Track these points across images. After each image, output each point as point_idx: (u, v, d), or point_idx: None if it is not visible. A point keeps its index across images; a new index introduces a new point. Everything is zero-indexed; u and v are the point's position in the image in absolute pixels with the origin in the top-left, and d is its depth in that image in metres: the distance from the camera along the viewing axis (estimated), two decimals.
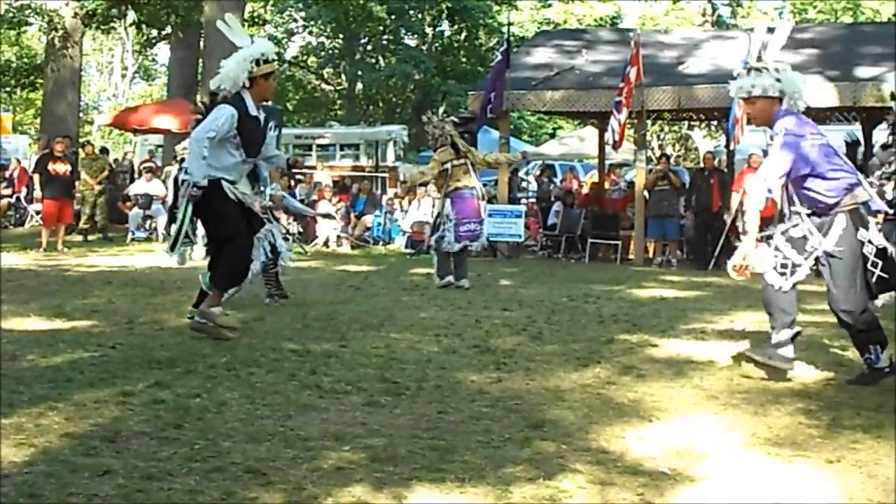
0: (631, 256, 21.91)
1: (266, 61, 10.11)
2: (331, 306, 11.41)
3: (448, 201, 15.07)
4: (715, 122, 31.59)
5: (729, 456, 6.12)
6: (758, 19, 51.19)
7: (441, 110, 15.63)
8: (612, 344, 10.08)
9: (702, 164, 23.68)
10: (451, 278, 15.09)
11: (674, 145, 44.46)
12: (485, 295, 14.29)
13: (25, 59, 40.62)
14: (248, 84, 9.95)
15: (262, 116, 10.12)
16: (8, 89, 36.09)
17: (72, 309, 11.92)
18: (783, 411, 7.27)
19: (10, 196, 27.69)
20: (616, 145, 21.21)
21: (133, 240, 24.03)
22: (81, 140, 33.78)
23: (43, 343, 9.45)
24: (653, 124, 32.58)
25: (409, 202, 26.08)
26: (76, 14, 29.11)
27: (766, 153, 20.29)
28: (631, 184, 26.03)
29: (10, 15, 31.43)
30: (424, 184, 20.34)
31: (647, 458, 6.01)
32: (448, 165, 15.10)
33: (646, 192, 22.07)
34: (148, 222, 25.37)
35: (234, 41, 10.22)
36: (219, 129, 9.71)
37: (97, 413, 6.78)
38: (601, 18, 54.96)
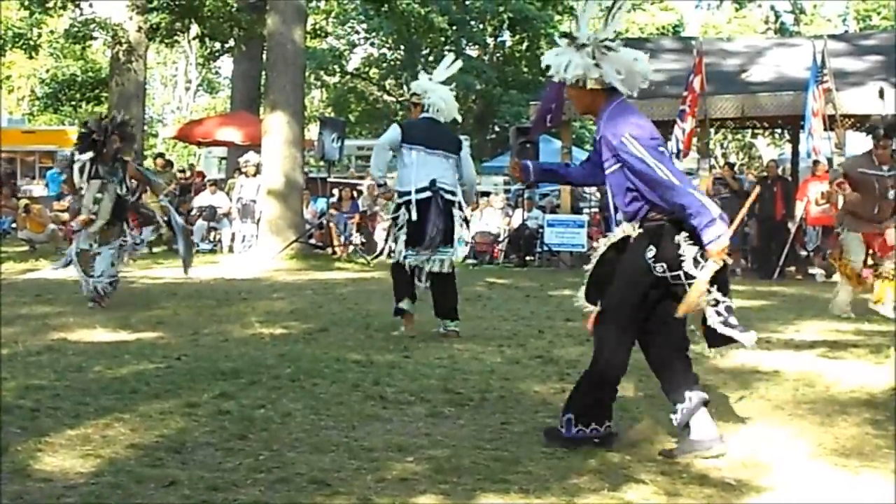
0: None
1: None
2: (394, 317, 11.45)
3: None
4: (779, 130, 31.39)
5: (795, 467, 6.07)
6: (821, 26, 50.91)
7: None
8: None
9: (765, 173, 23.51)
10: None
11: (737, 153, 44.21)
12: (548, 305, 14.26)
13: (90, 73, 40.90)
14: None
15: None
16: (73, 103, 36.40)
17: (137, 320, 12.01)
18: (850, 422, 7.20)
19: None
20: (681, 154, 21.06)
21: (198, 251, 24.13)
22: (154, 153, 34.08)
23: (109, 354, 9.53)
24: (716, 133, 32.41)
25: (472, 212, 26.09)
26: (140, 28, 29.33)
27: (830, 161, 20.31)
28: None
29: (75, 29, 31.66)
30: None
31: (712, 468, 5.98)
32: None
33: None
34: (212, 234, 25.51)
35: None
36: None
37: (163, 424, 6.83)
38: (663, 27, 54.78)
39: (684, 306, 6.19)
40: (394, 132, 11.23)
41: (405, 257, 10.90)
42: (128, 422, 6.86)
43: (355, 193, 27.27)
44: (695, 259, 6.17)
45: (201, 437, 6.52)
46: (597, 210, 27.79)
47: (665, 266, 6.22)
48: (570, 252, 22.34)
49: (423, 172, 10.89)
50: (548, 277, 18.35)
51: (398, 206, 11.09)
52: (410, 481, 5.64)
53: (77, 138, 13.27)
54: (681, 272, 6.21)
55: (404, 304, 11.16)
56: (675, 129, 20.69)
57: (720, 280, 6.30)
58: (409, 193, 10.90)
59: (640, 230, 6.33)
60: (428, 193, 10.90)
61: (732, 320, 6.36)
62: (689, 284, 6.16)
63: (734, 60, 23.77)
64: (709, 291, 6.24)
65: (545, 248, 22.54)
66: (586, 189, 32.41)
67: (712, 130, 25.10)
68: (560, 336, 11.21)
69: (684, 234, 6.20)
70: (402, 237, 10.92)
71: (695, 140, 21.28)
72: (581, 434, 6.35)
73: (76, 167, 12.87)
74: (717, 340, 6.50)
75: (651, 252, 6.25)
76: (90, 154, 12.86)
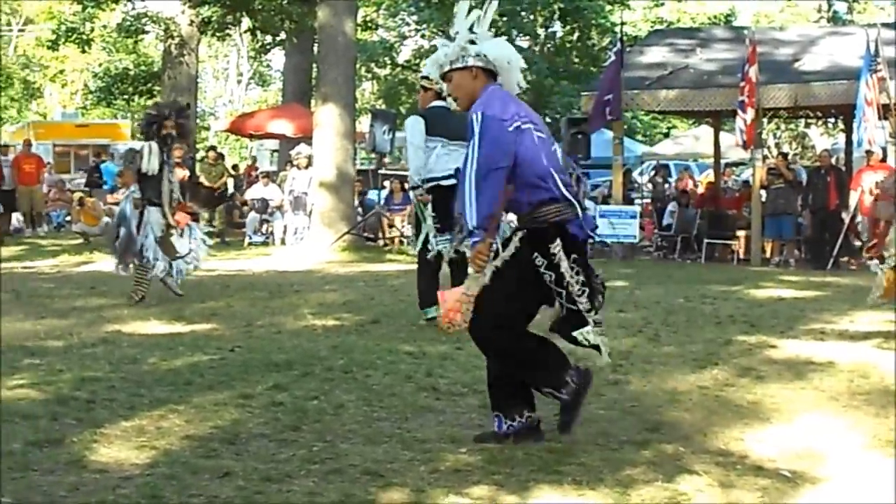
0: (748, 256, 21.62)
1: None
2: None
3: None
4: (832, 120, 31.10)
5: (850, 457, 6.03)
6: (875, 15, 50.40)
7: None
8: (730, 345, 9.97)
9: (819, 163, 23.31)
10: None
11: (790, 143, 43.91)
12: None
13: (143, 67, 41.04)
14: None
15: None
16: (126, 97, 36.56)
17: (191, 313, 12.08)
18: None
19: None
20: (746, 145, 20.90)
21: (250, 244, 24.29)
22: (206, 146, 34.19)
23: (163, 346, 9.60)
24: (769, 122, 32.20)
25: None
26: (192, 21, 29.44)
27: (885, 151, 20.10)
28: (745, 183, 25.75)
29: (128, 23, 31.86)
30: None
31: (766, 459, 5.95)
32: None
33: (762, 191, 21.82)
34: (265, 226, 25.61)
35: None
36: None
37: (217, 415, 6.87)
38: (714, 16, 54.40)
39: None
40: (420, 126, 11.03)
41: (438, 243, 10.85)
42: (182, 413, 6.91)
43: (406, 185, 27.29)
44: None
45: (255, 428, 6.55)
46: (649, 201, 27.71)
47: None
48: (622, 243, 22.21)
49: (445, 162, 10.76)
50: (600, 268, 18.14)
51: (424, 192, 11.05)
52: (463, 472, 5.65)
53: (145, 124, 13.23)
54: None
55: (433, 312, 10.75)
56: (737, 120, 20.59)
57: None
58: (430, 181, 10.91)
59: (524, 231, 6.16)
60: (453, 181, 10.81)
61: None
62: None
63: (787, 50, 23.55)
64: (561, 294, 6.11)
65: (597, 239, 22.40)
66: (638, 179, 32.40)
67: (765, 120, 24.89)
68: (612, 327, 11.12)
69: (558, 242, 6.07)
70: (430, 222, 10.92)
71: None
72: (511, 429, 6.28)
73: (147, 152, 12.84)
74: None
75: (539, 260, 6.07)
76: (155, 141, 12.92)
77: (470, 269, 6.03)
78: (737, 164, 34.54)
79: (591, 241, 6.44)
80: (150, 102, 30.25)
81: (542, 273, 6.03)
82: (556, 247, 6.02)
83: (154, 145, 12.78)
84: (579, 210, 6.20)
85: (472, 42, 6.36)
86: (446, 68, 6.42)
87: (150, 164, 12.72)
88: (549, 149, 6.24)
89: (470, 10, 6.42)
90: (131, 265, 13.04)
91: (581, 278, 6.10)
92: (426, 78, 10.90)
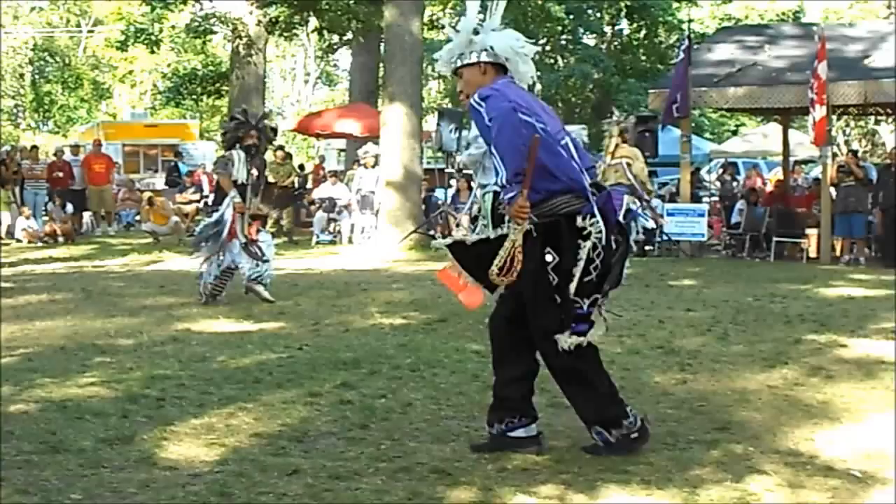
0: (817, 255, 21.40)
1: None
2: None
3: None
4: None
5: None
6: None
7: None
8: (800, 344, 9.90)
9: (888, 160, 23.04)
10: None
11: (860, 140, 43.49)
12: (668, 295, 14.14)
13: (211, 67, 41.35)
14: None
15: None
16: (194, 97, 36.84)
17: (259, 311, 12.15)
18: None
19: (199, 201, 28.31)
20: (816, 141, 20.69)
21: (318, 243, 24.38)
22: (274, 146, 34.46)
23: (232, 345, 9.67)
24: (838, 119, 31.91)
25: None
26: (259, 22, 29.60)
27: None
28: (815, 181, 25.52)
29: (196, 24, 32.11)
30: None
31: (837, 460, 5.90)
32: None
33: (832, 189, 21.61)
34: (332, 225, 25.69)
35: None
36: None
37: (285, 413, 6.92)
38: (783, 13, 54.01)
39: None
40: None
41: None
42: (251, 411, 6.96)
43: (473, 184, 27.27)
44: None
45: (323, 426, 6.59)
46: (717, 199, 27.53)
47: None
48: (690, 241, 22.09)
49: None
50: (668, 267, 18.15)
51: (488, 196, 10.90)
52: (531, 471, 5.65)
53: (230, 132, 13.37)
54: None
55: None
56: (809, 117, 20.43)
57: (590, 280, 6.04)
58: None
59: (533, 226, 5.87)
60: None
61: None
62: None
63: (856, 46, 23.30)
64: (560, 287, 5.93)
65: (665, 238, 22.33)
66: (706, 177, 32.18)
67: (834, 117, 24.66)
68: (681, 326, 11.12)
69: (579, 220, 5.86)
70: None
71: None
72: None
73: (237, 160, 13.03)
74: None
75: (549, 256, 5.88)
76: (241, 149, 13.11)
77: (511, 225, 5.90)
78: (806, 162, 34.21)
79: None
80: (218, 103, 30.44)
81: (547, 271, 5.87)
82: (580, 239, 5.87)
83: (242, 154, 12.96)
84: (591, 197, 5.90)
85: (476, 32, 6.13)
86: (456, 64, 6.24)
87: (240, 172, 12.93)
88: (558, 139, 5.99)
89: (493, 4, 6.24)
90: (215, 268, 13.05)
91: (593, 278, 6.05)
92: None
